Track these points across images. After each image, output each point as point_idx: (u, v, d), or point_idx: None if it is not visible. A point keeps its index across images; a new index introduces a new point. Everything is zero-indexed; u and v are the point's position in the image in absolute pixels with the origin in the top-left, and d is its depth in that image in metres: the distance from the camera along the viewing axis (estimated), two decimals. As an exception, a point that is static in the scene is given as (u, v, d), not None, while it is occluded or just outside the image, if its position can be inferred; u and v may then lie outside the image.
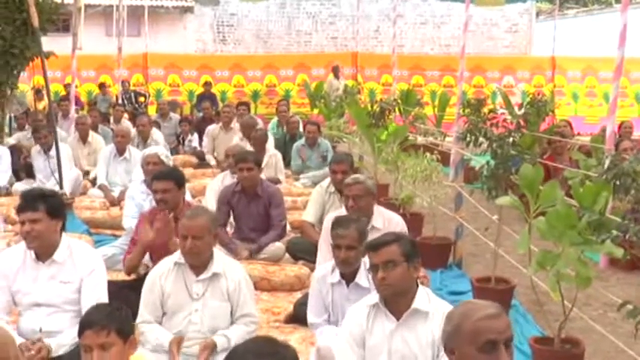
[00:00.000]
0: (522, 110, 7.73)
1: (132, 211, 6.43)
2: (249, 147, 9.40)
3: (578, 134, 12.07)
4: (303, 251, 6.34)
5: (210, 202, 7.14)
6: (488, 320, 2.48)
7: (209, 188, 7.75)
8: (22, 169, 9.55)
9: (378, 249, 3.48)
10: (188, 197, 6.00)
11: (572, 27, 23.01)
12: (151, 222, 5.28)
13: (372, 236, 4.42)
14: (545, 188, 4.50)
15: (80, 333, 3.02)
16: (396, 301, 3.47)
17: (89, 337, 2.98)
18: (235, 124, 11.29)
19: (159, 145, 9.53)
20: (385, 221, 5.33)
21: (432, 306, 3.45)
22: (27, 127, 11.68)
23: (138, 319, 4.07)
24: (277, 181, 8.64)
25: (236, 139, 10.32)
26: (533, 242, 4.62)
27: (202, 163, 11.37)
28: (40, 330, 4.04)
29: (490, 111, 6.75)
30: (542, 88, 17.35)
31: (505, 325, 2.49)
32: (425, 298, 3.49)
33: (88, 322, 3.02)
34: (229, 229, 6.70)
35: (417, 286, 3.52)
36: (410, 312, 3.44)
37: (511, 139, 5.96)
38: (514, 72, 19.57)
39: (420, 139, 10.75)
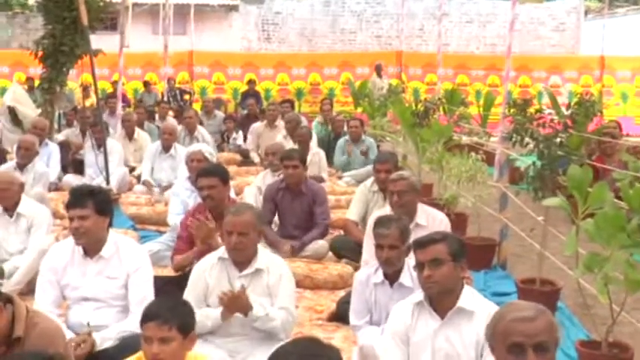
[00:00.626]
0: (570, 110, 7.61)
1: (177, 208, 6.49)
2: (291, 145, 9.44)
3: (628, 135, 11.86)
4: (347, 250, 6.34)
5: (249, 199, 7.19)
6: (517, 323, 2.51)
7: (249, 187, 7.83)
8: (71, 164, 9.71)
9: (425, 247, 3.47)
10: (232, 195, 6.03)
11: (621, 25, 22.59)
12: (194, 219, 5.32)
13: (416, 233, 4.42)
14: (594, 190, 4.42)
15: (142, 322, 3.09)
16: (441, 300, 3.45)
17: (151, 330, 3.04)
18: (280, 122, 11.34)
19: (205, 141, 9.65)
20: (429, 219, 5.32)
21: (478, 306, 3.43)
22: (75, 123, 11.89)
23: None
24: (320, 180, 8.65)
25: (280, 137, 10.36)
26: (580, 244, 4.55)
27: (246, 160, 11.45)
28: (88, 324, 4.10)
29: (537, 111, 6.66)
30: (590, 88, 17.07)
31: (537, 330, 2.49)
32: (470, 297, 3.47)
33: (151, 314, 3.08)
34: (273, 227, 6.73)
35: (463, 285, 3.50)
36: (455, 311, 3.43)
37: (558, 140, 5.88)
38: (561, 72, 19.29)
39: (465, 139, 10.66)
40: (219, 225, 5.05)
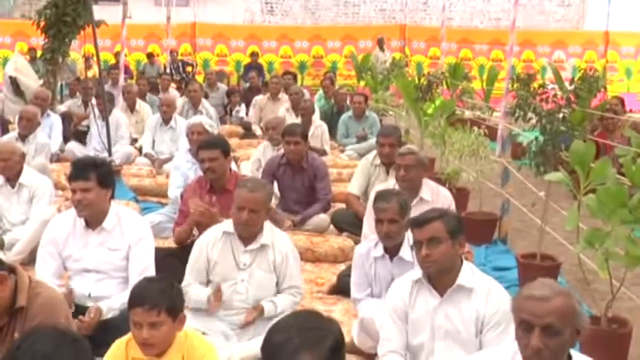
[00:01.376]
0: (573, 86, 7.59)
1: (177, 181, 6.46)
2: (294, 118, 9.43)
3: (631, 111, 11.83)
4: (348, 223, 6.35)
5: (245, 170, 7.31)
6: (527, 301, 2.54)
7: (246, 163, 7.93)
8: (73, 135, 9.70)
9: (422, 225, 3.43)
10: (233, 167, 6.02)
11: (627, 1, 22.41)
12: (196, 192, 5.33)
13: (420, 208, 4.42)
14: (596, 165, 4.42)
15: (130, 307, 3.04)
16: (440, 278, 3.44)
17: (139, 315, 3.00)
18: (283, 95, 11.30)
19: (209, 115, 9.64)
20: (434, 194, 5.31)
21: (477, 282, 3.43)
22: (78, 94, 11.85)
23: (183, 283, 4.13)
24: (323, 152, 8.64)
25: (282, 110, 10.34)
26: (581, 220, 4.55)
27: (248, 133, 11.41)
28: (89, 295, 4.13)
29: (540, 86, 6.65)
30: (594, 64, 16.99)
31: (546, 311, 2.50)
32: (469, 274, 3.46)
33: (139, 299, 3.03)
34: (273, 201, 6.74)
35: (462, 262, 3.49)
36: (454, 288, 3.42)
37: (561, 115, 5.87)
38: (565, 47, 19.19)
39: (468, 114, 10.65)
40: (224, 198, 5.08)
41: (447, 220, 3.44)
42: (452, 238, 3.40)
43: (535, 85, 6.74)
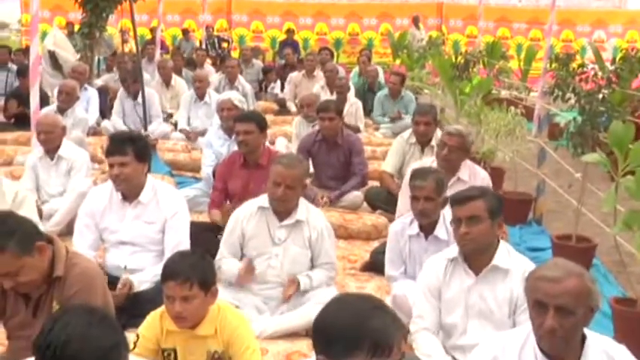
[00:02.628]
0: (614, 66, 7.46)
1: (209, 160, 6.48)
2: (329, 95, 9.41)
3: (672, 92, 11.61)
4: (381, 201, 6.34)
5: (280, 147, 7.45)
6: (541, 281, 2.54)
7: (281, 139, 8.04)
8: (109, 110, 9.78)
9: (463, 203, 3.42)
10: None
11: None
12: (229, 168, 5.36)
13: (456, 188, 4.39)
14: (635, 147, 4.36)
15: (163, 280, 3.08)
16: (476, 257, 3.43)
17: (172, 289, 3.03)
18: (318, 72, 11.27)
19: (245, 91, 9.65)
20: (471, 175, 5.23)
21: (513, 263, 3.41)
22: (114, 69, 11.94)
23: (217, 256, 4.17)
24: (357, 130, 8.62)
25: (317, 87, 10.31)
26: (618, 202, 4.49)
27: (283, 109, 11.43)
28: (125, 267, 4.18)
29: (580, 66, 6.55)
30: (635, 44, 16.69)
31: (559, 292, 2.50)
32: (506, 255, 3.44)
33: (172, 273, 3.05)
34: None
35: (498, 242, 3.48)
36: (489, 268, 3.41)
37: (601, 96, 5.78)
38: (606, 26, 18.87)
39: (504, 93, 10.55)
40: (257, 173, 5.11)
41: (488, 200, 3.43)
42: (491, 218, 3.39)
43: (574, 65, 6.64)
